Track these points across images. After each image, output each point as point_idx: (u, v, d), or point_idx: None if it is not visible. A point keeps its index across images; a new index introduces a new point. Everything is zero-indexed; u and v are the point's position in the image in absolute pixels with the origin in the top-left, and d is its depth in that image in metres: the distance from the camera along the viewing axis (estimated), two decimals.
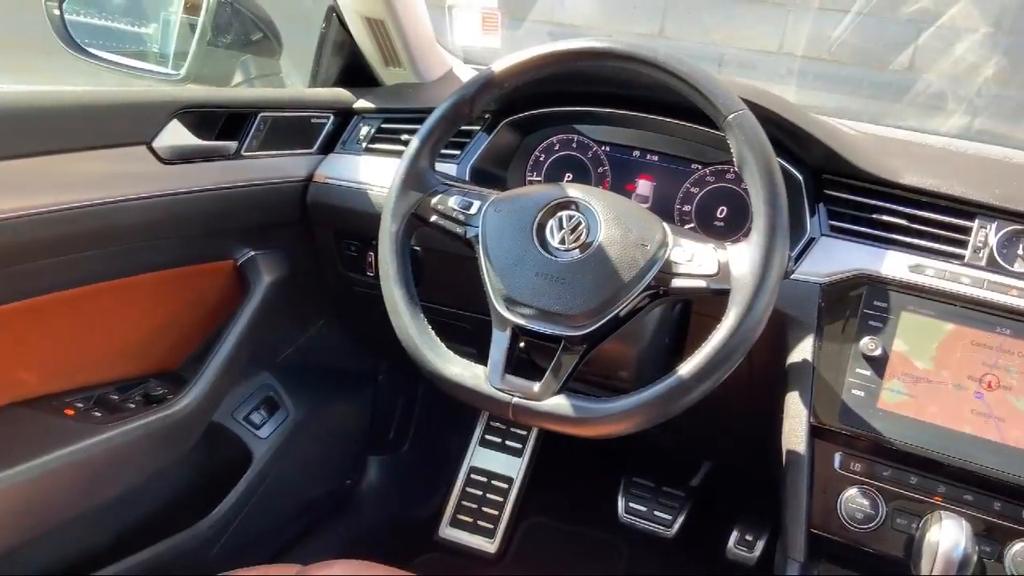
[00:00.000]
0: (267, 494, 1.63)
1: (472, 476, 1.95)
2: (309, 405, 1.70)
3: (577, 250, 1.06)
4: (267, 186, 1.44)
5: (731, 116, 1.03)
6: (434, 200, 1.17)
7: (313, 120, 1.51)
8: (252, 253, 1.46)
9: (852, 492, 1.15)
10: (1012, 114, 2.67)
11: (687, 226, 1.36)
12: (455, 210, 1.15)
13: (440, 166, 1.32)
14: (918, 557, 1.01)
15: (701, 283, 1.03)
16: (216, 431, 1.55)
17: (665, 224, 1.09)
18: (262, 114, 1.41)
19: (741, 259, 1.01)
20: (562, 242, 1.08)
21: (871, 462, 1.15)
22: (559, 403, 1.03)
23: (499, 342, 1.08)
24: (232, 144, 1.38)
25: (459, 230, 1.14)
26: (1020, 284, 1.12)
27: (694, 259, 1.04)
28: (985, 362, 1.10)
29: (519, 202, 1.13)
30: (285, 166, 1.47)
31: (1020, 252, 1.14)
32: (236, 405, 1.61)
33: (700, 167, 1.35)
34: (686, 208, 1.36)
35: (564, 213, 1.09)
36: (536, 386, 1.05)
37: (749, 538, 1.67)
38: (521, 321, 1.06)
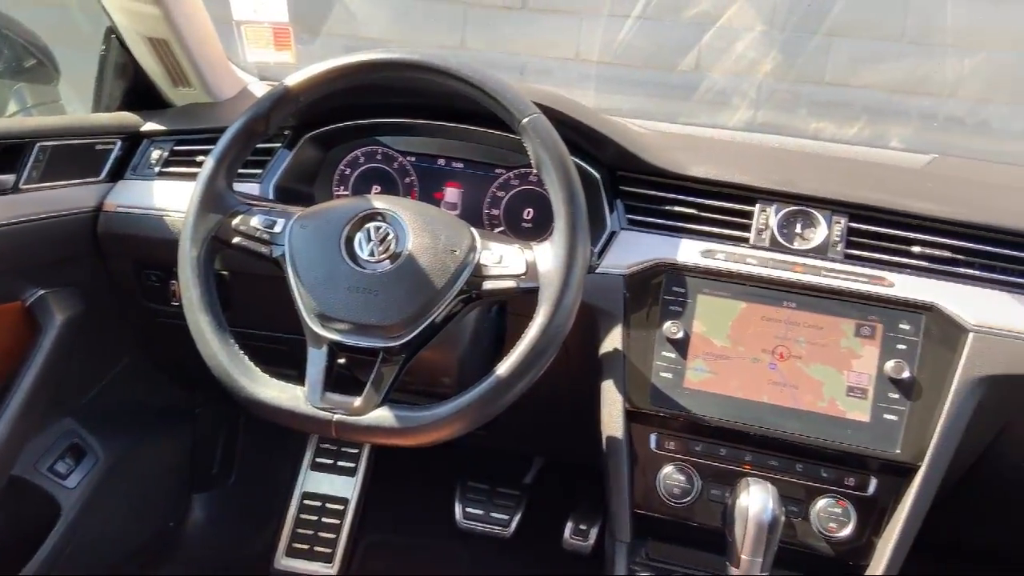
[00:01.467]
0: (81, 548, 1.52)
1: (306, 502, 1.90)
2: (121, 447, 1.60)
3: (387, 261, 1.06)
4: (52, 220, 1.34)
5: (525, 120, 1.06)
6: (235, 221, 1.13)
7: (98, 147, 1.43)
8: (42, 292, 1.36)
9: (669, 469, 1.21)
10: (789, 105, 2.87)
11: (497, 229, 1.38)
12: (258, 230, 1.12)
13: (242, 186, 1.28)
14: (731, 523, 1.08)
15: (511, 284, 1.06)
16: (17, 486, 1.43)
17: (473, 229, 1.10)
18: (40, 144, 1.31)
19: (546, 258, 1.04)
20: (372, 254, 1.07)
21: (684, 439, 1.21)
22: (382, 415, 1.02)
23: (316, 360, 1.06)
24: (9, 178, 1.28)
25: (264, 250, 1.11)
26: (801, 260, 1.22)
27: (503, 261, 1.07)
28: (776, 335, 1.19)
29: (324, 217, 1.11)
30: (70, 197, 1.38)
31: (799, 231, 1.24)
32: (38, 456, 1.49)
33: (504, 171, 1.38)
34: (494, 212, 1.39)
35: (372, 225, 1.09)
36: (357, 401, 1.03)
37: (583, 527, 1.72)
38: (337, 337, 1.05)
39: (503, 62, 3.14)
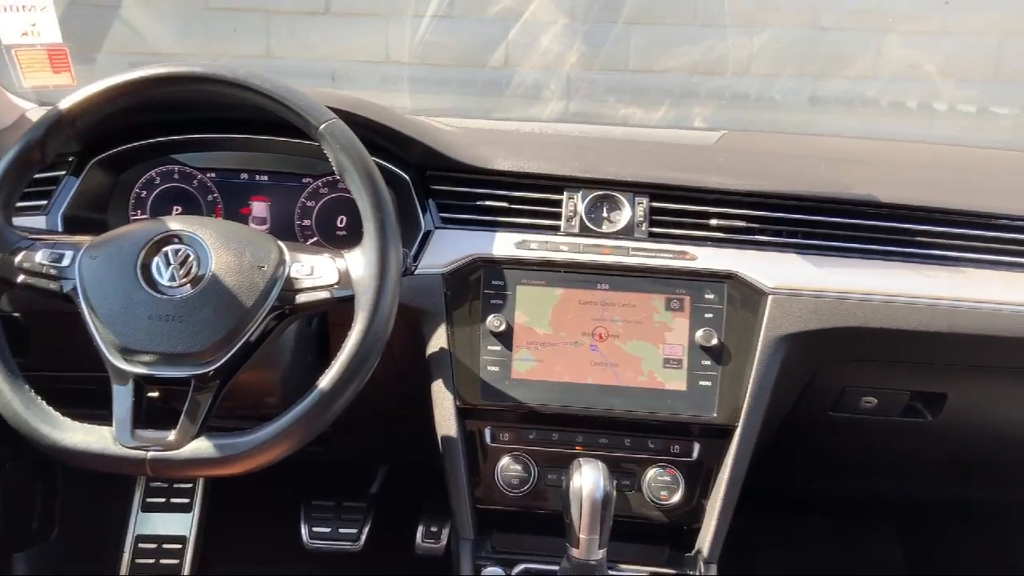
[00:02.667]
0: None
1: (140, 546, 1.79)
2: None
3: (188, 285, 1.02)
4: None
5: (322, 126, 1.04)
6: (18, 259, 1.05)
7: None
8: None
9: (506, 461, 1.22)
10: (598, 94, 2.95)
11: (310, 240, 1.35)
12: (44, 265, 1.04)
13: (25, 220, 1.19)
14: (567, 505, 1.10)
15: (325, 294, 1.04)
16: None
17: (280, 242, 1.07)
18: None
19: (358, 264, 1.03)
20: (172, 279, 1.02)
21: (517, 429, 1.23)
22: (200, 447, 0.98)
23: (121, 397, 1.01)
24: None
25: (53, 286, 1.04)
26: (609, 243, 1.26)
27: (314, 272, 1.04)
28: (594, 317, 1.23)
29: (116, 245, 1.05)
30: None
31: (605, 215, 1.28)
32: None
33: (312, 180, 1.35)
34: (306, 223, 1.35)
35: (169, 248, 1.04)
36: (172, 435, 0.99)
37: (434, 529, 1.71)
38: (142, 370, 1.00)
39: (312, 69, 3.08)
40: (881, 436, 1.41)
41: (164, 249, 1.04)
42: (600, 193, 1.28)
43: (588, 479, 1.09)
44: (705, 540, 1.20)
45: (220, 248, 1.04)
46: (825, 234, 1.27)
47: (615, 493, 1.12)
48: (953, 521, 1.87)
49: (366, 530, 1.79)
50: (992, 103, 2.70)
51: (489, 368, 1.21)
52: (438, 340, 1.23)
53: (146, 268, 1.03)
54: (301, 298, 1.04)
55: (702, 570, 1.19)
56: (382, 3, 3.00)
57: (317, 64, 3.13)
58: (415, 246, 1.24)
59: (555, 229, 1.27)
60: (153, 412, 1.04)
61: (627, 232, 1.26)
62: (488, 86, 3.09)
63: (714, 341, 1.20)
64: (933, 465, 1.50)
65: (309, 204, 1.35)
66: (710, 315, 1.21)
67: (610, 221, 1.28)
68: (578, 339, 1.22)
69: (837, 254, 1.26)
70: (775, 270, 1.23)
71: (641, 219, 1.27)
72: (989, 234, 1.28)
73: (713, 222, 1.26)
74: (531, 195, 1.29)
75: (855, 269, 1.25)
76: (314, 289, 1.04)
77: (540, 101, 2.91)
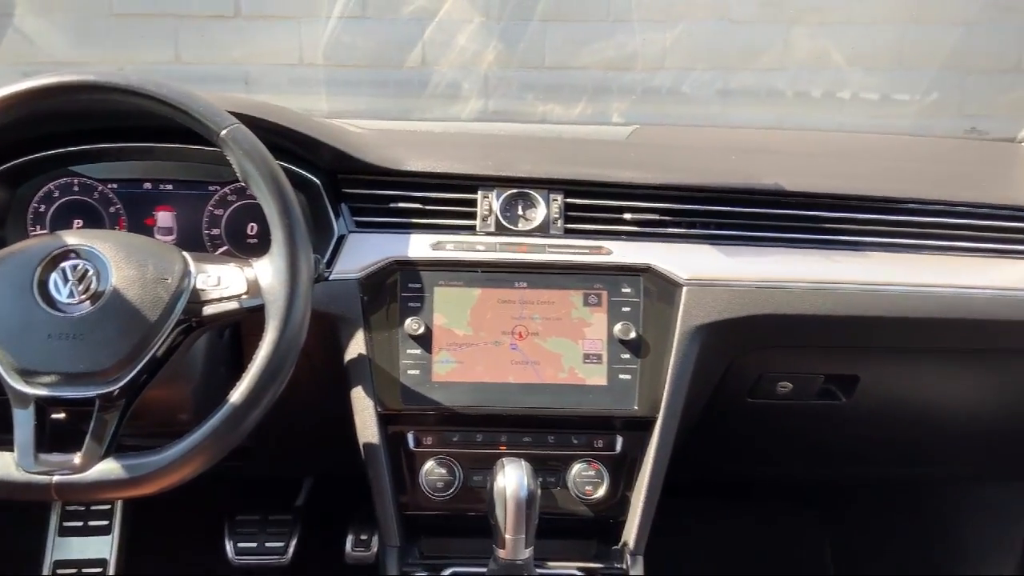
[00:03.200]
0: None
1: (59, 572, 1.73)
2: None
3: (88, 301, 0.98)
4: None
5: (223, 132, 1.02)
6: None
7: None
8: None
9: (430, 465, 1.21)
10: (516, 92, 2.95)
11: (220, 250, 1.32)
12: None
13: None
14: (492, 506, 1.10)
15: (233, 304, 1.02)
16: None
17: (185, 253, 1.05)
18: None
19: (267, 272, 1.01)
20: (71, 295, 0.99)
21: (441, 432, 1.22)
22: (107, 468, 0.95)
23: (22, 421, 0.97)
24: None
25: None
26: (526, 240, 1.26)
27: (221, 282, 1.02)
28: (513, 316, 1.22)
29: (11, 262, 1.01)
30: None
31: (521, 212, 1.28)
32: None
33: (219, 187, 1.32)
34: (215, 232, 1.32)
35: (67, 264, 1.00)
36: (77, 457, 0.95)
37: (364, 537, 1.69)
38: (44, 392, 0.96)
39: (225, 74, 3.01)
40: (798, 419, 1.44)
41: (62, 265, 1.00)
42: (515, 191, 1.28)
43: (511, 479, 1.09)
44: (631, 532, 1.20)
45: (121, 261, 1.00)
46: (737, 224, 1.29)
47: (540, 491, 1.12)
48: (873, 500, 1.93)
49: (293, 543, 1.76)
50: (897, 90, 2.78)
51: (409, 372, 1.20)
52: (356, 346, 1.21)
53: (43, 285, 0.99)
54: (208, 310, 1.02)
55: (628, 562, 1.20)
56: (293, 5, 2.94)
57: (230, 69, 3.06)
58: (328, 251, 1.22)
59: (471, 229, 1.26)
60: (61, 435, 1.00)
61: (543, 229, 1.26)
62: (406, 86, 3.06)
63: (632, 334, 1.20)
64: (850, 446, 1.54)
65: (217, 212, 1.32)
66: (627, 309, 1.22)
67: (526, 219, 1.27)
68: (498, 338, 1.21)
69: (749, 243, 1.28)
70: (689, 261, 1.25)
71: (556, 216, 1.27)
72: (894, 218, 1.32)
73: (627, 216, 1.27)
74: (445, 195, 1.28)
75: (766, 257, 1.27)
76: (222, 300, 1.02)
77: (459, 100, 2.90)
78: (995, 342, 1.30)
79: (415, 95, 2.99)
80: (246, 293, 1.01)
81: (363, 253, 1.23)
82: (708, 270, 1.24)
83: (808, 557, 1.98)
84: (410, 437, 1.22)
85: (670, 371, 1.20)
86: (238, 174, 1.03)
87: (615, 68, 2.86)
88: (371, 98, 3.05)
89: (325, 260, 1.20)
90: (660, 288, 1.23)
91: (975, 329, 1.27)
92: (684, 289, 1.22)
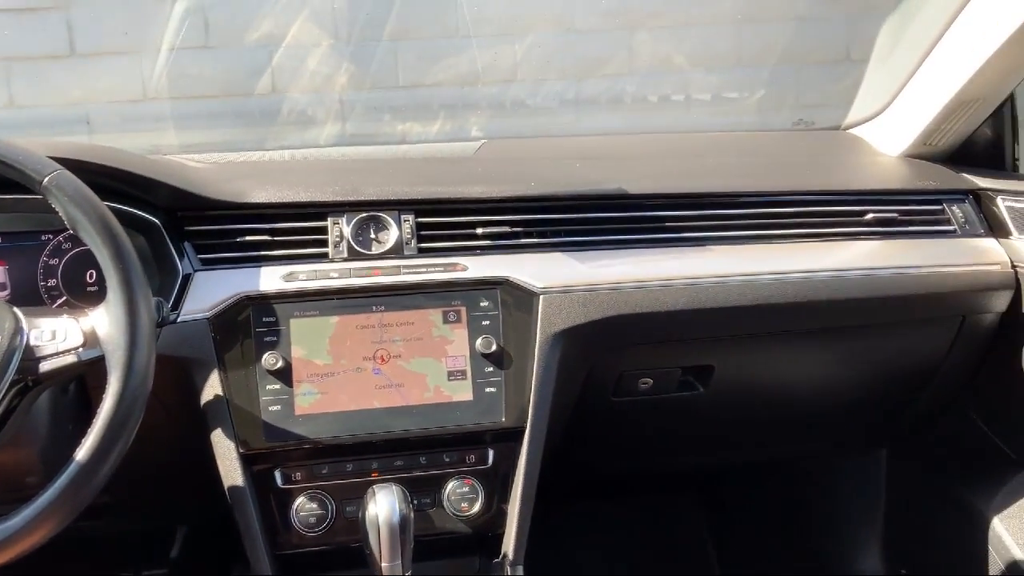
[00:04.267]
0: None
1: None
2: None
3: None
4: None
5: (45, 180, 0.97)
6: None
7: None
8: None
9: (301, 500, 1.18)
10: (373, 114, 2.93)
11: (58, 301, 1.25)
12: None
13: None
14: (366, 535, 1.08)
15: (71, 358, 0.97)
16: None
17: (16, 309, 0.99)
18: None
19: (104, 322, 0.97)
20: None
21: (309, 467, 1.19)
22: None
23: None
24: None
25: None
26: (380, 264, 1.25)
27: (56, 336, 0.97)
28: (373, 340, 1.21)
29: None
30: None
31: (373, 236, 1.27)
32: None
33: (51, 236, 1.25)
34: (51, 282, 1.25)
35: None
36: None
37: None
38: None
39: (64, 116, 2.88)
40: (662, 413, 1.48)
41: None
42: (365, 215, 1.27)
43: (383, 505, 1.08)
44: (509, 543, 1.21)
45: None
46: (588, 230, 1.32)
47: (413, 514, 1.11)
48: (746, 481, 2.01)
49: None
50: (739, 88, 2.91)
51: (271, 408, 1.17)
52: (212, 387, 1.17)
53: None
54: (45, 366, 0.97)
55: (508, 572, 1.20)
56: (131, 39, 2.84)
57: (69, 110, 2.93)
58: (174, 292, 1.18)
59: (324, 257, 1.25)
60: None
61: (397, 251, 1.26)
62: (258, 115, 3.00)
63: (494, 347, 1.21)
64: (714, 433, 1.60)
65: (52, 262, 1.25)
66: (487, 322, 1.23)
67: (379, 242, 1.27)
68: (360, 364, 1.20)
69: (602, 248, 1.31)
70: (544, 270, 1.27)
71: (409, 236, 1.26)
72: (735, 212, 1.38)
73: (480, 231, 1.28)
74: (294, 225, 1.26)
75: (619, 260, 1.30)
76: (58, 355, 0.97)
77: (315, 125, 2.86)
78: (837, 320, 1.38)
79: (269, 123, 2.93)
80: (83, 345, 0.97)
81: (211, 291, 1.19)
82: (563, 277, 1.26)
83: (689, 543, 2.04)
84: (278, 475, 1.19)
85: (534, 380, 1.21)
86: (66, 222, 0.99)
87: (469, 83, 2.89)
88: (224, 129, 2.97)
89: (170, 302, 1.16)
90: (517, 299, 1.24)
91: (817, 310, 1.33)
92: (541, 298, 1.24)
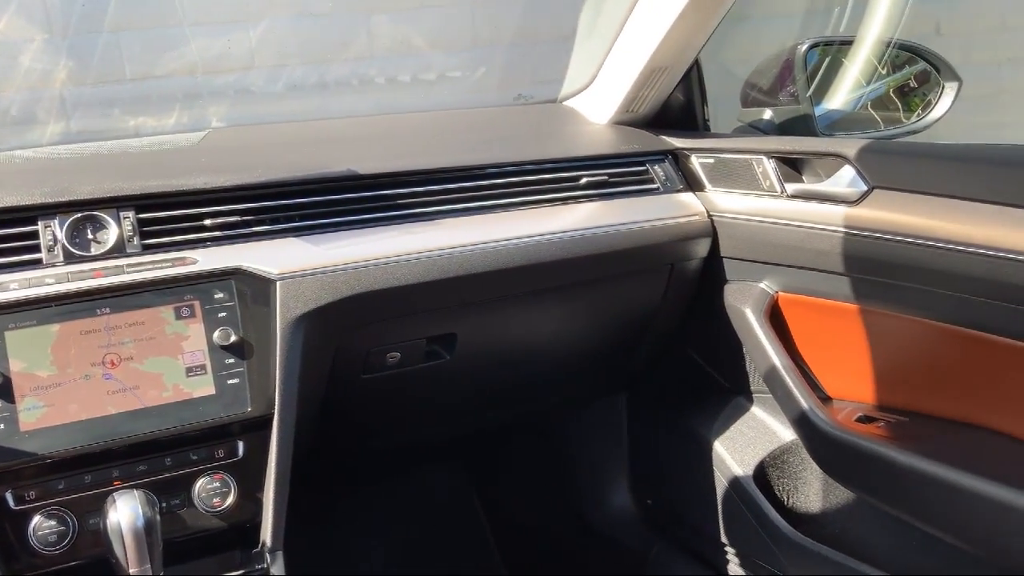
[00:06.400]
0: None
1: None
2: None
3: None
4: None
5: None
6: None
7: None
8: None
9: (37, 520, 1.12)
10: (100, 109, 2.76)
11: None
12: None
13: None
14: (110, 544, 1.04)
15: None
16: None
17: None
18: None
19: None
20: None
21: (43, 484, 1.13)
22: None
23: None
24: None
25: None
26: (100, 265, 1.19)
27: None
28: (100, 345, 1.16)
29: None
30: None
31: (91, 236, 1.21)
32: None
33: None
34: None
35: None
36: None
37: None
38: None
39: None
40: (414, 385, 1.53)
41: None
42: (80, 215, 1.21)
43: (124, 512, 1.05)
44: (266, 531, 1.21)
45: None
46: (320, 213, 1.33)
47: (160, 517, 1.09)
48: (508, 440, 2.11)
49: None
50: (473, 67, 3.01)
51: None
52: None
53: None
54: None
55: (268, 561, 1.21)
56: None
57: None
58: None
59: (36, 263, 1.18)
60: None
61: (118, 250, 1.21)
62: None
63: (233, 338, 1.20)
64: (467, 398, 1.67)
65: None
66: (224, 314, 1.22)
67: (98, 242, 1.21)
68: (88, 371, 1.15)
69: (335, 229, 1.33)
70: (279, 257, 1.27)
71: (131, 234, 1.22)
72: (463, 185, 1.44)
73: (207, 222, 1.26)
74: (1, 232, 1.18)
75: (353, 240, 1.33)
76: None
77: (36, 125, 2.67)
78: (562, 279, 1.48)
79: None
80: None
81: None
82: (299, 262, 1.27)
83: (459, 508, 2.12)
84: (9, 496, 1.12)
85: (278, 366, 1.22)
86: None
87: (205, 72, 2.78)
88: None
89: None
90: (254, 288, 1.24)
91: (543, 271, 1.43)
92: (278, 284, 1.24)
